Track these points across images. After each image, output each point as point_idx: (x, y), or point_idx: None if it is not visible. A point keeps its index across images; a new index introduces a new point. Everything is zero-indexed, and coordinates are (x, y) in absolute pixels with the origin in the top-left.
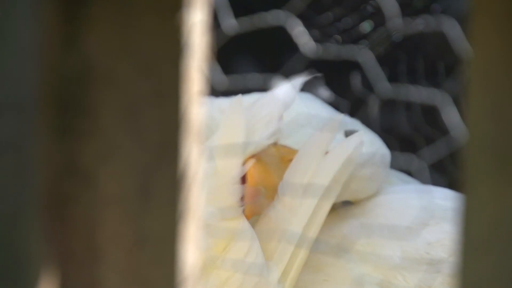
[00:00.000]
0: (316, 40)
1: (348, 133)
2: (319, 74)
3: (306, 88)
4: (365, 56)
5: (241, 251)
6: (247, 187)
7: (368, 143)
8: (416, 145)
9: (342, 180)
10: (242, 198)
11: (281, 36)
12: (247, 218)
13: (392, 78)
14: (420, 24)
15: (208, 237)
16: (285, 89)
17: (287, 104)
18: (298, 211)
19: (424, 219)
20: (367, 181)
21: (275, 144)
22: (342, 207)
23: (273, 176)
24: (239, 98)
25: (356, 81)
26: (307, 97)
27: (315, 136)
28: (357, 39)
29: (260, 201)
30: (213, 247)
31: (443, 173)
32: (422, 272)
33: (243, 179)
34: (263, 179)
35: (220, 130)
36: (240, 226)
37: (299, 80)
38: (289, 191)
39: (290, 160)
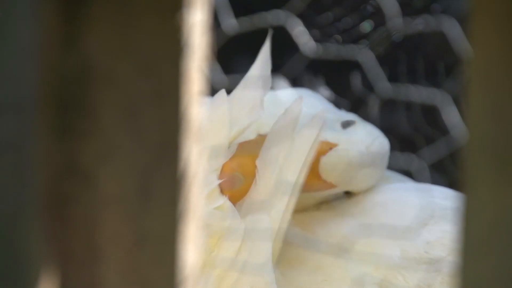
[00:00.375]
0: (316, 40)
1: (345, 124)
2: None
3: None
4: (365, 56)
5: (232, 249)
6: (223, 173)
7: (366, 134)
8: (416, 145)
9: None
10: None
11: (281, 36)
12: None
13: (392, 78)
14: (420, 24)
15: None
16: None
17: (266, 87)
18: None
19: (423, 219)
20: (368, 171)
21: (261, 135)
22: (342, 199)
23: (250, 166)
24: (222, 92)
25: (356, 81)
26: (307, 94)
27: (280, 121)
28: (357, 39)
29: (237, 187)
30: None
31: (443, 173)
32: (421, 272)
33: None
34: (244, 168)
35: (206, 125)
36: (230, 222)
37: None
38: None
39: None
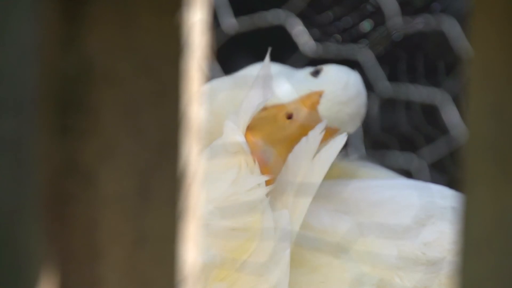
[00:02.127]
0: (316, 39)
1: (315, 73)
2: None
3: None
4: (365, 55)
5: (266, 253)
6: (252, 151)
7: (338, 72)
8: (416, 144)
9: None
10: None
11: (281, 35)
12: (269, 182)
13: (392, 77)
14: (420, 23)
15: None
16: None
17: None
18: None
19: (421, 219)
20: (357, 102)
21: (264, 108)
22: (340, 197)
23: (272, 135)
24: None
25: None
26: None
27: (302, 143)
28: (357, 38)
29: (271, 159)
30: (234, 249)
31: (443, 172)
32: (419, 273)
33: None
34: (269, 138)
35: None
36: (263, 221)
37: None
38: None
39: (285, 116)
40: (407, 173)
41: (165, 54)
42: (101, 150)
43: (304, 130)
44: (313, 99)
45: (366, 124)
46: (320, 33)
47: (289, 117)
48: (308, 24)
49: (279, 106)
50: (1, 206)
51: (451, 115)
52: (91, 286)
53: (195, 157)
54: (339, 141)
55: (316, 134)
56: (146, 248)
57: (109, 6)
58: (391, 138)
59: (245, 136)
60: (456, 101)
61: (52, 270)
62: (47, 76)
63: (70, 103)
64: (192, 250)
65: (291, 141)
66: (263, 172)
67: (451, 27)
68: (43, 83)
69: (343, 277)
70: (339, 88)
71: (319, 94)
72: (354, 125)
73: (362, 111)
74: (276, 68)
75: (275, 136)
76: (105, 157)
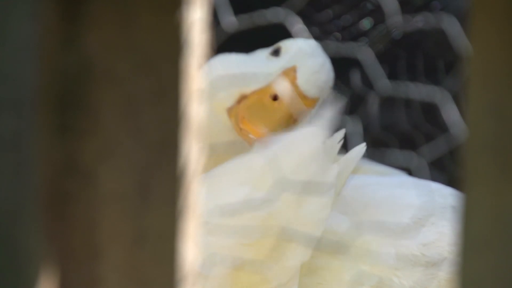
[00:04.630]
0: (316, 38)
1: (275, 53)
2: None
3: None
4: (365, 53)
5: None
6: (266, 144)
7: (299, 44)
8: (416, 142)
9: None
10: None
11: (281, 34)
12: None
13: (392, 75)
14: (419, 21)
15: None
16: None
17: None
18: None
19: (421, 218)
20: (327, 66)
21: (244, 96)
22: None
23: (268, 120)
24: None
25: (355, 78)
26: (221, 58)
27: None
28: (356, 36)
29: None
30: (254, 248)
31: (443, 171)
32: (418, 274)
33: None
34: (267, 128)
35: None
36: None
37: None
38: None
39: (270, 98)
40: (407, 172)
41: (165, 52)
42: (101, 149)
43: (293, 107)
44: (290, 76)
45: (366, 123)
46: (320, 31)
47: (275, 98)
48: (308, 22)
49: (260, 91)
50: (1, 205)
51: (451, 113)
52: (90, 285)
53: (195, 155)
54: (358, 150)
55: (334, 142)
56: (146, 247)
57: (108, 5)
58: (391, 136)
59: (249, 129)
60: (456, 99)
61: (52, 269)
62: (47, 75)
63: (70, 102)
64: (192, 248)
65: (286, 120)
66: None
67: (451, 26)
68: (43, 82)
69: (341, 279)
70: (309, 59)
71: (294, 70)
72: (329, 90)
73: (332, 73)
74: (233, 58)
75: (271, 119)
76: (105, 156)
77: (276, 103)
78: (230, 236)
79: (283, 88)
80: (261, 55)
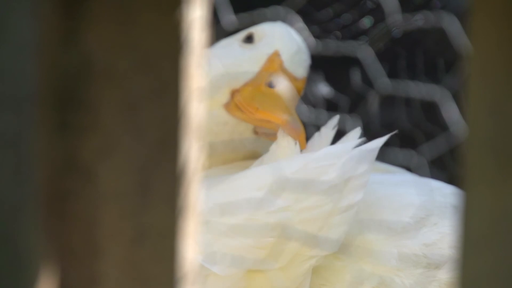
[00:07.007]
0: (316, 36)
1: (248, 40)
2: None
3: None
4: (365, 52)
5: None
6: (282, 127)
7: (273, 27)
8: (416, 141)
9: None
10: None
11: None
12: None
13: (392, 74)
14: (419, 20)
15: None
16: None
17: None
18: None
19: (421, 218)
20: (304, 45)
21: (236, 90)
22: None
23: (276, 106)
24: None
25: (356, 77)
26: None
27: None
28: (357, 35)
29: (299, 125)
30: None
31: (443, 169)
32: (419, 274)
33: None
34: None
35: None
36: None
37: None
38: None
39: (267, 86)
40: (407, 170)
41: (165, 51)
42: (101, 147)
43: (289, 94)
44: (276, 61)
45: (366, 121)
46: (320, 30)
47: (271, 85)
48: (308, 21)
49: (251, 83)
50: (1, 203)
51: (450, 112)
52: (90, 283)
53: (194, 153)
54: (353, 137)
55: (328, 130)
56: (145, 245)
57: (108, 3)
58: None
59: (269, 117)
60: (456, 98)
61: (52, 267)
62: (47, 73)
63: (70, 100)
64: (192, 247)
65: (290, 105)
66: (301, 141)
67: (451, 24)
68: (43, 80)
69: (343, 280)
70: (287, 41)
71: (277, 54)
72: (308, 66)
73: (308, 51)
74: (213, 54)
75: (280, 105)
76: (105, 154)
77: (273, 90)
78: (246, 237)
79: (279, 81)
80: (234, 45)
